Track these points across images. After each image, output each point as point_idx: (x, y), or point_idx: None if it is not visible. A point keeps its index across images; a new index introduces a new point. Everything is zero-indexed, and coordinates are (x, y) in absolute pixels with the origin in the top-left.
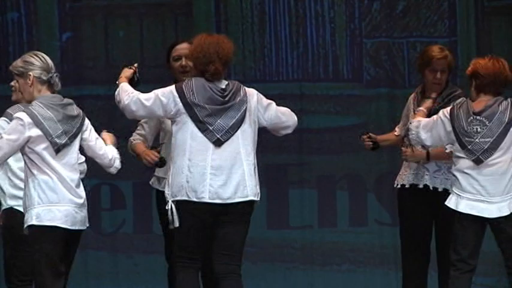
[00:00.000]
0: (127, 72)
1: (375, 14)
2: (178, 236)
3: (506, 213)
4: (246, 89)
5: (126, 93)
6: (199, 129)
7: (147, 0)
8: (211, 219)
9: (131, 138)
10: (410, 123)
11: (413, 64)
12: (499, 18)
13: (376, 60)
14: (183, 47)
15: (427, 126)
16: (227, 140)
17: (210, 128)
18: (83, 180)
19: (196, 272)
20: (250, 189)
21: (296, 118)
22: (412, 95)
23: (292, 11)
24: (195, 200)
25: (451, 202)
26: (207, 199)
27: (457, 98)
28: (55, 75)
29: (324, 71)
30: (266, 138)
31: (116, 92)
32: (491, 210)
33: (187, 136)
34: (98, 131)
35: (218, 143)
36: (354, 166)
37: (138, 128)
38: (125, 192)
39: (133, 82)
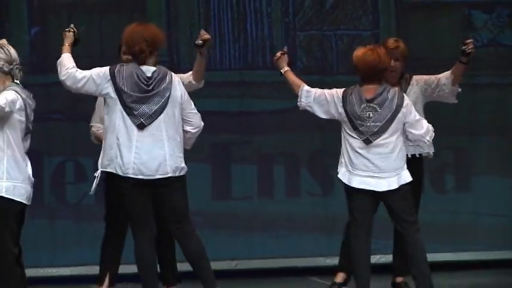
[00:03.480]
0: (69, 37)
1: (306, 10)
2: (125, 206)
3: (394, 187)
4: (173, 76)
5: (65, 68)
6: (126, 112)
7: None
8: (148, 190)
9: (93, 127)
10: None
11: (341, 54)
12: (417, 13)
13: (308, 51)
14: None
15: (319, 101)
16: (150, 123)
17: (135, 113)
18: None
19: (148, 237)
20: (169, 167)
21: (202, 122)
22: None
23: (234, 8)
24: (121, 174)
25: (344, 178)
26: (131, 174)
27: (411, 78)
28: (15, 67)
29: (262, 61)
30: (212, 120)
31: (58, 63)
32: (381, 185)
33: (116, 117)
34: (65, 114)
35: (141, 126)
36: (289, 144)
37: (96, 110)
38: (87, 167)
39: (76, 43)
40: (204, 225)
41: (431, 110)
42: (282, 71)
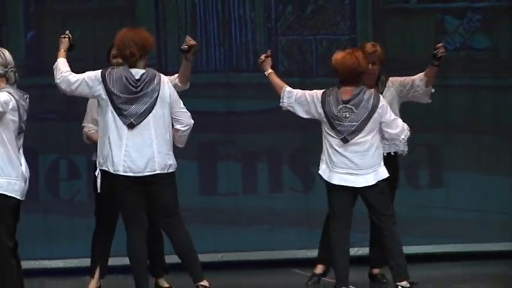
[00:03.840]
0: (65, 43)
1: (288, 16)
2: (117, 202)
3: (372, 183)
4: (162, 77)
5: (60, 72)
6: (116, 113)
7: (98, 5)
8: (139, 187)
9: (85, 128)
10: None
11: (321, 57)
12: (392, 18)
13: (289, 54)
14: None
15: (300, 101)
16: (139, 123)
17: (125, 113)
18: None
19: (139, 231)
20: (158, 164)
21: (192, 121)
22: None
23: (219, 13)
24: (112, 171)
25: (324, 175)
26: (121, 172)
27: (387, 80)
28: (10, 70)
29: (246, 63)
30: (199, 120)
31: (54, 67)
32: (359, 181)
33: (108, 118)
34: (59, 114)
35: (131, 126)
36: (272, 143)
37: (88, 111)
38: (80, 165)
39: (71, 48)
40: (191, 220)
41: (407, 110)
42: (265, 73)
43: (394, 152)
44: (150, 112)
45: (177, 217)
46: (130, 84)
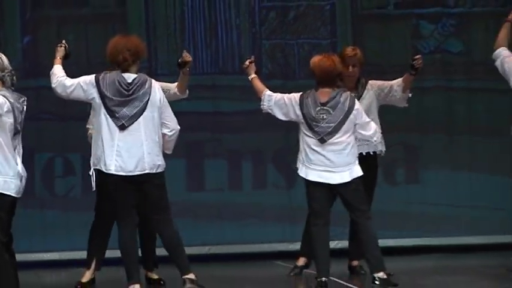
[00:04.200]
0: (61, 51)
1: (271, 21)
2: (110, 200)
3: (347, 180)
4: (153, 82)
5: (56, 77)
6: (109, 115)
7: (91, 11)
8: (130, 186)
9: (90, 130)
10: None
11: (302, 61)
12: (370, 23)
13: (272, 58)
14: None
15: (279, 104)
16: (130, 125)
17: (117, 115)
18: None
19: (130, 227)
20: (147, 164)
21: (178, 126)
22: None
23: (206, 19)
24: (104, 171)
25: (301, 172)
26: (113, 171)
27: (367, 82)
28: (7, 74)
29: (232, 66)
30: (187, 120)
31: (50, 73)
32: (335, 178)
33: (101, 119)
34: (54, 114)
35: (122, 127)
36: (257, 142)
37: (92, 114)
38: (74, 162)
39: (67, 56)
40: (180, 215)
41: (384, 110)
42: (249, 77)
43: (373, 152)
44: (140, 115)
45: (166, 214)
46: (122, 87)
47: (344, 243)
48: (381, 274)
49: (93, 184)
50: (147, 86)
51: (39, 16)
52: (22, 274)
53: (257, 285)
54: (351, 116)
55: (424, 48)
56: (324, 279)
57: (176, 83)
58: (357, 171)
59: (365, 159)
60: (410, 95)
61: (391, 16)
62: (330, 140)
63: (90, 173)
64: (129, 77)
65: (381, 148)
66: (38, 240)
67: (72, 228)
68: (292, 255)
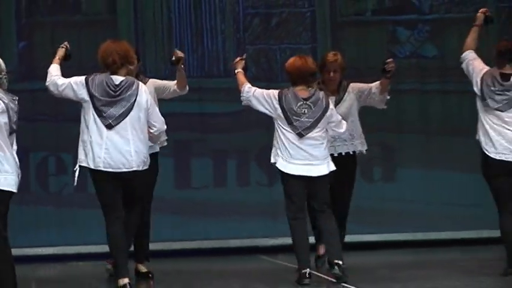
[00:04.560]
0: (61, 51)
1: (255, 27)
2: (97, 195)
3: (325, 172)
4: (140, 84)
5: (50, 76)
6: (97, 114)
7: (83, 18)
8: (117, 182)
9: None
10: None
11: (284, 65)
12: (349, 29)
13: (256, 62)
14: None
15: (257, 97)
16: (117, 124)
17: (104, 115)
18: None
19: (117, 221)
20: (134, 162)
21: (164, 126)
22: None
23: (193, 25)
24: (92, 167)
25: (281, 166)
26: (101, 168)
27: (348, 85)
28: (4, 77)
29: (217, 70)
30: (175, 121)
31: (47, 71)
32: (314, 171)
33: (89, 118)
34: (48, 116)
35: (109, 127)
36: (241, 142)
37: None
38: (67, 161)
39: (66, 57)
40: (167, 210)
41: (363, 112)
42: (235, 71)
43: (353, 152)
44: (127, 115)
45: (139, 207)
46: (110, 88)
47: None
48: (340, 262)
49: (75, 179)
50: (134, 87)
51: (34, 22)
52: (17, 268)
53: (241, 278)
54: (327, 114)
55: (400, 53)
56: (307, 270)
57: (175, 81)
58: (332, 165)
59: (344, 159)
60: (388, 97)
61: (368, 22)
62: (308, 135)
63: (75, 169)
64: (117, 79)
65: (361, 148)
66: (32, 235)
67: (65, 224)
68: (275, 250)
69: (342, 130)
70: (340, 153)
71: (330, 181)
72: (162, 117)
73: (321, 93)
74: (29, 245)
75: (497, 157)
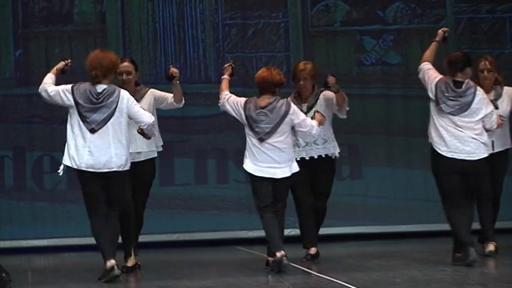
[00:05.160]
0: (61, 64)
1: (233, 37)
2: (83, 193)
3: (288, 174)
4: (121, 92)
5: (43, 83)
6: (81, 120)
7: (75, 28)
8: (99, 181)
9: None
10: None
11: None
12: (319, 38)
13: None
14: (124, 65)
15: (230, 103)
16: (100, 129)
17: (88, 120)
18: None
19: (100, 218)
20: (114, 163)
21: (150, 120)
22: (292, 96)
23: (176, 34)
24: (75, 167)
25: (248, 167)
26: (84, 168)
27: (320, 93)
28: None
29: (198, 76)
30: (159, 123)
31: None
32: (277, 173)
33: (75, 123)
34: (43, 118)
35: (92, 131)
36: (220, 142)
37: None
38: (60, 161)
39: (63, 71)
40: (153, 206)
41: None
42: (222, 77)
43: (325, 155)
44: (108, 120)
45: (116, 208)
46: (92, 96)
47: (297, 231)
48: (280, 253)
49: (60, 172)
50: (115, 95)
51: (30, 32)
52: (15, 258)
53: (220, 267)
54: (287, 119)
55: (367, 61)
56: (282, 253)
57: (172, 94)
58: (295, 167)
59: (318, 162)
60: (347, 108)
61: (337, 32)
62: (269, 140)
63: (61, 168)
64: (100, 87)
65: (333, 151)
66: (28, 229)
67: (58, 218)
68: (251, 241)
69: (307, 128)
70: (312, 157)
71: (290, 182)
72: (146, 112)
73: (281, 102)
74: (25, 237)
75: (449, 155)
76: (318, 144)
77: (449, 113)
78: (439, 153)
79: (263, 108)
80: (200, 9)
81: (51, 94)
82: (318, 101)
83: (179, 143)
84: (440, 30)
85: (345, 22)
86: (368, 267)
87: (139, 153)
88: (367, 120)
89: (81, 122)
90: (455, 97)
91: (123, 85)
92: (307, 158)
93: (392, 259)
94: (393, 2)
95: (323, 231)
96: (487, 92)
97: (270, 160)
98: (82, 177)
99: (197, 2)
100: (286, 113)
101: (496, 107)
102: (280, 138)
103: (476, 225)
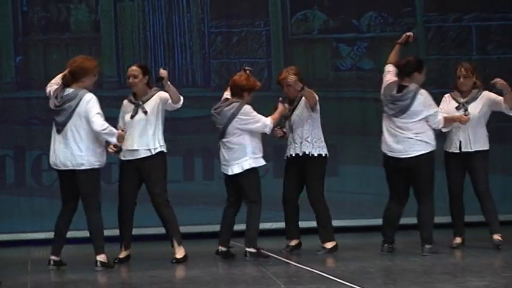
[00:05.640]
0: (65, 73)
1: (218, 44)
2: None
3: (238, 171)
4: (86, 96)
5: (50, 83)
6: (53, 121)
7: (71, 35)
8: (65, 178)
9: (118, 129)
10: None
11: None
12: (299, 46)
13: (219, 74)
14: (131, 69)
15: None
16: (63, 129)
17: (56, 121)
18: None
19: (67, 210)
20: (70, 162)
21: (98, 128)
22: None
23: (165, 41)
24: (51, 164)
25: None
26: (52, 165)
27: (300, 98)
28: None
29: (186, 80)
30: None
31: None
32: (228, 171)
33: (53, 124)
34: (42, 120)
35: (58, 132)
36: (206, 142)
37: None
38: None
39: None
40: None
41: None
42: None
43: (303, 153)
44: (67, 122)
45: (90, 201)
46: (57, 99)
47: (277, 225)
48: (251, 249)
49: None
50: (76, 99)
51: (29, 40)
52: (15, 250)
53: (206, 257)
54: (234, 120)
55: (342, 66)
56: (221, 248)
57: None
58: (246, 165)
59: (297, 159)
60: (312, 113)
61: (315, 40)
62: (224, 140)
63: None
64: (67, 91)
65: (310, 150)
66: (28, 222)
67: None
68: (236, 234)
69: (255, 126)
70: (290, 155)
71: (249, 177)
72: (100, 121)
73: (233, 104)
74: (25, 230)
75: (389, 154)
76: (296, 143)
77: (392, 115)
78: (383, 152)
79: (215, 110)
80: (188, 19)
81: (48, 94)
82: (299, 104)
83: (168, 142)
84: (404, 34)
85: (322, 30)
86: (344, 258)
87: (137, 150)
88: (343, 121)
89: (54, 123)
90: (394, 101)
91: (131, 87)
92: (300, 154)
93: (366, 251)
94: (367, 11)
95: (303, 224)
96: (464, 96)
97: (223, 158)
98: (56, 175)
99: (185, 12)
100: (234, 115)
101: (466, 109)
102: (231, 138)
103: (475, 219)
